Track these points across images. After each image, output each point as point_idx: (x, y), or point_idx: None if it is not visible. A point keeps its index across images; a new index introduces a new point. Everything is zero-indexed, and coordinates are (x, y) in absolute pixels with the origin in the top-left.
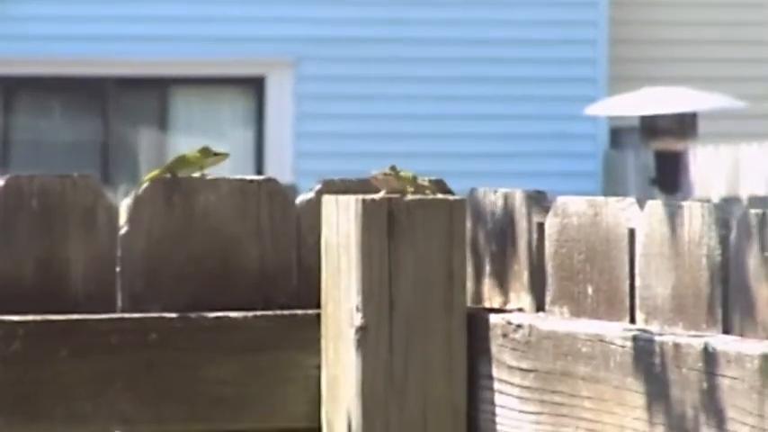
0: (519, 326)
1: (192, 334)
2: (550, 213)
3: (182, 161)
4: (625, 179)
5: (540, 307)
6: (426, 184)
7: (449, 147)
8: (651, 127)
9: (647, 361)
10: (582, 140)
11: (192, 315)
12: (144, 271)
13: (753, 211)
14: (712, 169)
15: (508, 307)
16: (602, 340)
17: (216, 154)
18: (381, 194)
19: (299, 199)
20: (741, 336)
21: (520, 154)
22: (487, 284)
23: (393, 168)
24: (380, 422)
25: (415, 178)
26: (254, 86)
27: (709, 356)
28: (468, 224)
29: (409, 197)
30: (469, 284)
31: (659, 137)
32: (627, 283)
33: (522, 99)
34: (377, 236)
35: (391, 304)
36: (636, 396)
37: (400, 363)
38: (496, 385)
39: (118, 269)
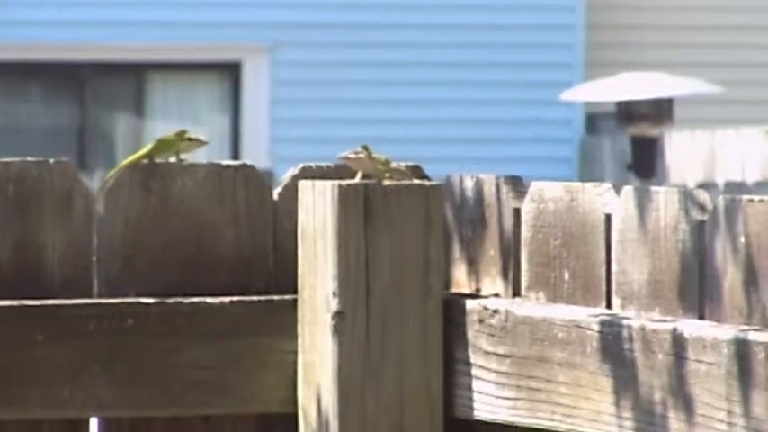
0: (495, 311)
1: (169, 319)
2: (527, 199)
3: (158, 146)
4: (601, 165)
5: (516, 292)
6: (400, 168)
7: (425, 132)
8: (627, 112)
9: (624, 346)
10: (558, 126)
11: (169, 300)
12: (120, 256)
13: (728, 196)
14: (688, 155)
15: (484, 292)
16: (578, 326)
17: (191, 139)
18: (357, 179)
19: (276, 184)
20: (717, 321)
21: (496, 139)
22: (464, 270)
23: (365, 148)
24: (356, 407)
25: (387, 162)
26: (231, 72)
27: (685, 342)
28: (445, 210)
29: (386, 182)
30: (446, 270)
31: (635, 122)
32: (603, 268)
33: (499, 84)
34: (353, 221)
35: (368, 290)
36: (612, 381)
37: (376, 348)
38: (473, 370)
39: (94, 255)
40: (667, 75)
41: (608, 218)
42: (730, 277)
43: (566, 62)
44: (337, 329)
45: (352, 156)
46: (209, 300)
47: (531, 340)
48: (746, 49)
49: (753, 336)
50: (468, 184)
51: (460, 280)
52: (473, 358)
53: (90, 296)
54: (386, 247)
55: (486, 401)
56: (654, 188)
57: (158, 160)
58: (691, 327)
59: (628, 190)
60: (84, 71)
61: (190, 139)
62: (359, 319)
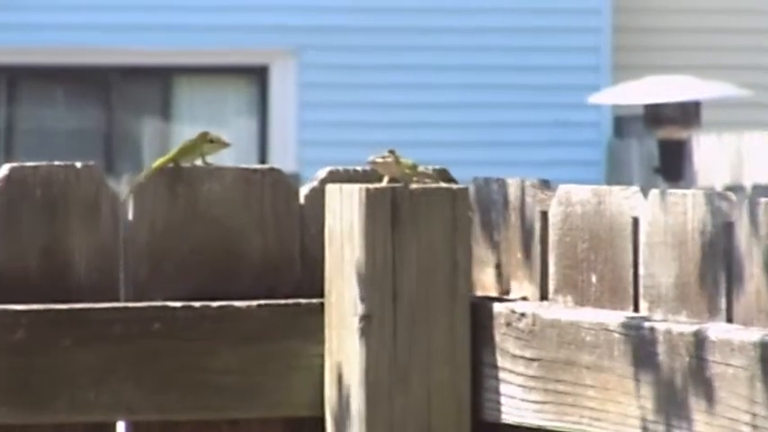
0: (522, 315)
1: (196, 323)
2: (554, 202)
3: (182, 149)
4: (629, 168)
5: (543, 296)
6: (427, 172)
7: (452, 136)
8: (655, 115)
9: (651, 350)
10: (586, 129)
11: (196, 304)
12: (147, 260)
13: (755, 199)
14: (716, 158)
15: (512, 296)
16: (605, 329)
17: (212, 141)
18: (384, 183)
19: (303, 188)
20: (744, 324)
21: (523, 142)
22: (491, 273)
23: (392, 152)
24: (384, 410)
25: (414, 166)
26: (258, 76)
27: (712, 345)
28: (472, 213)
29: (413, 186)
30: (473, 273)
31: (663, 125)
32: (630, 271)
33: (526, 87)
34: (380, 225)
35: (395, 293)
36: (639, 384)
37: (404, 351)
38: (500, 374)
39: (121, 259)
40: (695, 78)
41: (635, 221)
42: (757, 280)
43: (593, 65)
44: (364, 333)
45: (380, 160)
46: (236, 304)
47: (558, 344)
48: None
49: None
50: (496, 187)
51: (487, 283)
52: (500, 361)
53: (117, 300)
54: (413, 250)
55: (514, 405)
56: (681, 191)
57: (184, 164)
58: (717, 330)
59: (655, 193)
60: (112, 75)
61: (212, 141)
62: (386, 323)
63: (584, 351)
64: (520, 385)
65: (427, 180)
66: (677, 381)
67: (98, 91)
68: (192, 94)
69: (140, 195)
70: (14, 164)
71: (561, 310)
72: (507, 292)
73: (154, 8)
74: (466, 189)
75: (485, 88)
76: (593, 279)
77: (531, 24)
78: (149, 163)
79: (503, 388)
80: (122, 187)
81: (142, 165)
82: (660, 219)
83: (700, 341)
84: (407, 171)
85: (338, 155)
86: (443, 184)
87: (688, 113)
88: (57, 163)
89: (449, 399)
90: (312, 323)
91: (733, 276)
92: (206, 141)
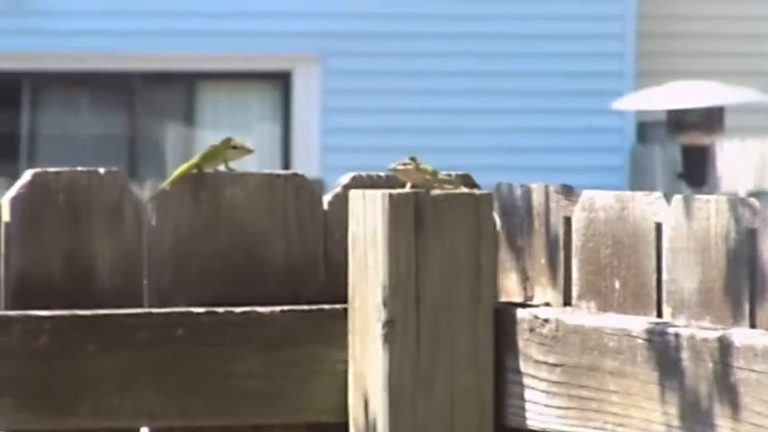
0: (546, 320)
1: (219, 329)
2: (577, 208)
3: (206, 155)
4: (652, 173)
5: (566, 301)
6: (448, 178)
7: (475, 141)
8: (678, 121)
9: (674, 355)
10: (609, 135)
11: (220, 310)
12: (171, 266)
13: None
14: (739, 163)
15: (535, 301)
16: (628, 335)
17: (236, 147)
18: (408, 189)
19: (327, 194)
20: (767, 329)
21: (547, 148)
22: (514, 278)
23: (413, 159)
24: (407, 416)
25: (435, 172)
26: (281, 81)
27: (736, 350)
28: (495, 218)
29: (436, 192)
30: (496, 278)
31: (686, 131)
32: (654, 277)
33: (550, 93)
34: (404, 230)
35: (418, 299)
36: (663, 390)
37: (427, 357)
38: (523, 379)
39: (145, 264)
40: (718, 83)
41: (658, 227)
42: None
43: (616, 71)
44: (388, 338)
45: (401, 167)
46: (259, 309)
47: (581, 349)
48: None
49: None
50: (519, 192)
51: (511, 289)
52: (524, 367)
53: (141, 306)
54: (436, 255)
55: (537, 411)
56: (704, 197)
57: (207, 169)
58: (741, 335)
59: (678, 199)
60: (135, 80)
61: (235, 147)
62: (409, 328)
63: (607, 356)
64: (543, 391)
65: (447, 186)
66: (701, 386)
67: (122, 96)
68: (216, 100)
69: (164, 201)
70: (37, 169)
71: (584, 315)
72: (531, 298)
73: (177, 14)
74: (489, 194)
75: (508, 94)
76: (617, 285)
77: (555, 31)
78: (173, 168)
79: (526, 393)
80: (146, 193)
81: (166, 170)
82: (683, 224)
83: (723, 347)
84: (428, 177)
85: (361, 160)
86: (465, 190)
87: (711, 119)
88: (80, 169)
89: (472, 404)
90: (335, 329)
91: (757, 282)
92: (229, 147)
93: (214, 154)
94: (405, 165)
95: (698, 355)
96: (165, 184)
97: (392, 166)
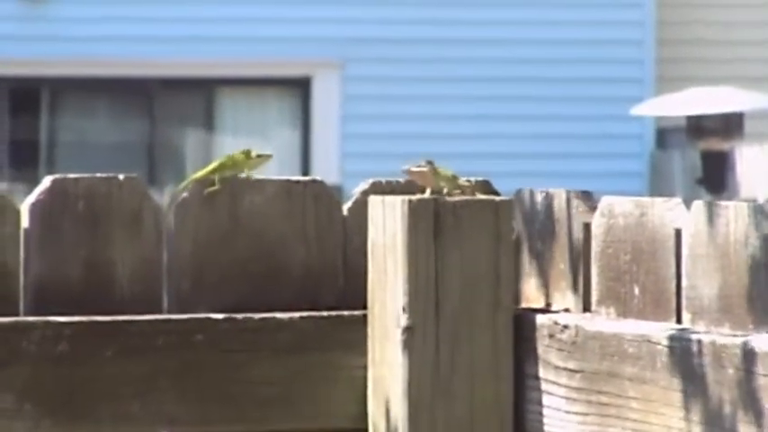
0: (565, 326)
1: (238, 335)
2: (597, 214)
3: (226, 163)
4: (671, 179)
5: (586, 307)
6: (465, 183)
7: (495, 147)
8: (697, 127)
9: (694, 361)
10: (628, 141)
11: (239, 316)
12: (190, 272)
13: None
14: (759, 169)
15: (554, 307)
16: (648, 341)
17: (258, 156)
18: (427, 195)
19: (346, 200)
20: None
21: (566, 154)
22: (533, 284)
23: (430, 163)
24: (426, 422)
25: (454, 177)
26: (301, 87)
27: (756, 356)
28: (515, 224)
29: (455, 198)
30: (515, 284)
31: (705, 137)
32: (673, 283)
33: (569, 99)
34: (423, 236)
35: (437, 305)
36: (682, 396)
37: (447, 363)
38: (543, 385)
39: (164, 271)
40: (737, 89)
41: (678, 233)
42: None
43: (636, 77)
44: (407, 345)
45: (415, 169)
46: (279, 315)
47: (601, 355)
48: None
49: None
50: (538, 198)
51: (530, 294)
52: (543, 373)
53: (160, 312)
54: (456, 262)
55: (557, 416)
56: (724, 202)
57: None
58: (761, 341)
59: (698, 204)
60: (154, 87)
61: (258, 156)
62: (429, 335)
63: (626, 363)
64: (563, 397)
65: (458, 191)
66: (721, 393)
67: (141, 102)
68: (235, 106)
69: (181, 207)
70: (57, 176)
71: (604, 321)
72: (550, 304)
73: (196, 20)
74: (509, 201)
75: (528, 100)
76: (636, 291)
77: (575, 36)
78: (190, 174)
79: (546, 399)
80: (165, 199)
81: (185, 176)
82: (703, 230)
83: (744, 353)
84: (444, 182)
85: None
86: (481, 196)
87: (731, 125)
88: (99, 175)
89: (491, 410)
90: (355, 335)
91: None
92: (251, 158)
93: (235, 164)
94: (419, 166)
95: (718, 362)
96: (181, 188)
97: (406, 167)
